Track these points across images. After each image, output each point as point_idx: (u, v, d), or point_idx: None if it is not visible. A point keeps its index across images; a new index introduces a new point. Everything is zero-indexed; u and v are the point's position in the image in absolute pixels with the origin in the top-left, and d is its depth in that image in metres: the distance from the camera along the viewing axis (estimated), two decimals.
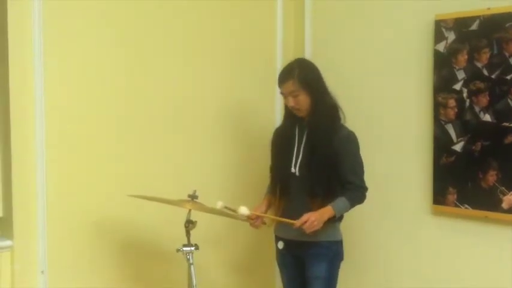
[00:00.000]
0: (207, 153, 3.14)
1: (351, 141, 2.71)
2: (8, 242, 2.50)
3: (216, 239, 3.17)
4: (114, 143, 2.77)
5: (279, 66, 3.38)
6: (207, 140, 3.14)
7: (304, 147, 2.70)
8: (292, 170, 2.70)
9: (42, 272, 2.57)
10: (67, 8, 2.58)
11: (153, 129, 2.91)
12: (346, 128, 2.74)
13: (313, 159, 2.67)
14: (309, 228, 2.54)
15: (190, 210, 2.52)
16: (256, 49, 3.35)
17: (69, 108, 2.62)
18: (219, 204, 2.58)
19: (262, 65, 3.38)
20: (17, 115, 2.48)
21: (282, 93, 2.73)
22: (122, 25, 2.77)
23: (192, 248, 2.50)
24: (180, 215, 2.54)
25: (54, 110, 2.56)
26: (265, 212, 2.81)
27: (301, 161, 2.70)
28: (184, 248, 2.49)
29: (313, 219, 2.54)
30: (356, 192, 2.68)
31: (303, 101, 2.68)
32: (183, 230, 2.52)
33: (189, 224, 2.52)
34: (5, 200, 2.53)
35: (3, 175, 2.53)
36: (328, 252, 2.70)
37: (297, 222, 2.55)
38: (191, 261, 2.49)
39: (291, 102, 2.68)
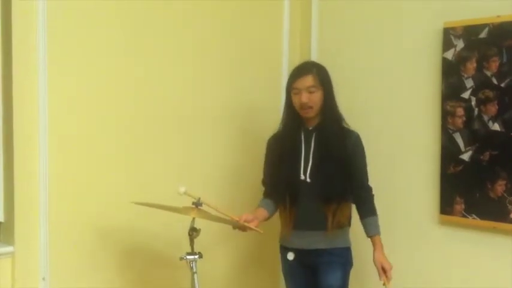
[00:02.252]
0: (211, 156, 3.12)
1: (360, 143, 2.73)
2: (9, 248, 2.46)
3: (220, 246, 3.13)
4: (116, 148, 2.74)
5: (284, 68, 3.38)
6: (211, 143, 3.11)
7: (314, 153, 2.66)
8: (302, 177, 2.66)
9: (44, 278, 2.53)
10: (71, 9, 2.56)
11: (158, 133, 2.89)
12: (353, 131, 2.74)
13: (326, 164, 2.63)
14: (390, 270, 2.62)
15: (194, 218, 2.48)
16: (262, 51, 3.33)
17: (72, 113, 2.59)
18: (182, 190, 2.46)
19: (268, 67, 3.36)
20: (19, 120, 2.45)
21: (295, 88, 2.66)
22: (125, 27, 2.74)
23: (196, 257, 2.46)
24: (184, 222, 2.50)
25: (57, 115, 2.53)
26: (257, 222, 2.64)
27: (311, 167, 2.65)
28: (187, 257, 2.45)
29: (387, 264, 2.61)
30: (370, 200, 2.72)
31: (317, 100, 2.65)
32: (186, 238, 2.49)
33: (193, 232, 2.48)
34: (7, 206, 2.50)
35: (5, 181, 2.50)
36: (341, 259, 2.69)
37: (386, 277, 2.60)
38: (195, 269, 2.45)
39: (305, 99, 2.62)
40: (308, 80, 2.64)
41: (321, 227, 2.63)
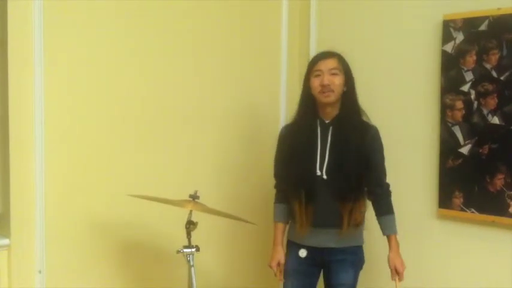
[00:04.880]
0: (210, 155, 3.10)
1: (378, 138, 2.64)
2: (5, 241, 2.45)
3: (217, 240, 3.12)
4: (114, 142, 2.73)
5: (283, 66, 3.37)
6: (210, 141, 3.09)
7: (330, 148, 2.55)
8: (318, 173, 2.55)
9: (40, 271, 2.52)
10: (68, 6, 2.53)
11: (156, 131, 2.87)
12: (372, 125, 2.64)
13: (344, 161, 2.53)
14: (403, 269, 2.60)
15: (191, 211, 2.47)
16: (261, 50, 3.31)
17: (69, 106, 2.57)
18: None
19: (267, 66, 3.34)
20: (15, 112, 2.43)
21: (317, 70, 2.54)
22: (124, 25, 2.72)
23: (193, 250, 2.45)
24: (181, 215, 2.49)
25: (53, 108, 2.51)
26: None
27: (328, 162, 2.54)
28: (184, 250, 2.44)
29: (400, 266, 2.59)
30: (387, 197, 2.65)
31: (339, 83, 2.54)
32: (183, 231, 2.47)
33: (190, 225, 2.47)
34: (3, 198, 2.48)
35: (1, 172, 2.49)
36: (354, 258, 2.63)
37: (398, 278, 2.58)
38: (192, 263, 2.44)
39: (326, 80, 2.51)
40: (332, 62, 2.54)
41: (336, 225, 2.54)
